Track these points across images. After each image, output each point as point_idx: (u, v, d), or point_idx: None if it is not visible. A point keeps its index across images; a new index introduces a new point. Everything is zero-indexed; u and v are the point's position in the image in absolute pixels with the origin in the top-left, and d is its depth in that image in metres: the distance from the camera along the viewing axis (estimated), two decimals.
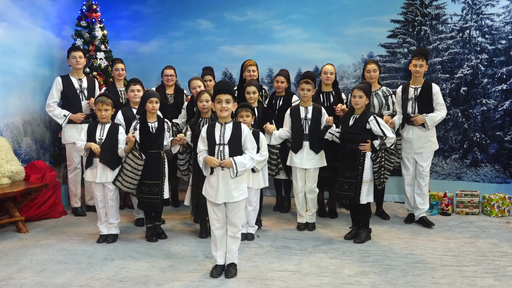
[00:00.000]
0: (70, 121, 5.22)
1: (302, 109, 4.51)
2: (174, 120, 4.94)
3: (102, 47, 5.97)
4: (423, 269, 3.57)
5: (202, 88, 4.83)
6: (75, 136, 5.20)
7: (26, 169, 5.06)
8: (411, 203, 4.91)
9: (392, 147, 4.23)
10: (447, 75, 5.94)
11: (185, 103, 5.09)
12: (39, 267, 3.64)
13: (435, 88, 4.70)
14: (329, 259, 3.80)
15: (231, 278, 3.39)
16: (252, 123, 4.30)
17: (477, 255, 3.87)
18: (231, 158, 3.31)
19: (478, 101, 5.87)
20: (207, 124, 3.49)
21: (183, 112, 5.03)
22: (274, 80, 5.08)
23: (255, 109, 4.56)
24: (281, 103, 5.03)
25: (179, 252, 4.00)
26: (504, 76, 5.78)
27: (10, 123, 5.28)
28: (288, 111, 4.60)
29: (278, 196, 5.56)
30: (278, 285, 3.29)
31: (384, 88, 4.95)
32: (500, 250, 4.01)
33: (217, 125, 3.39)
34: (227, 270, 3.45)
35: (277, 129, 4.60)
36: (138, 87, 4.58)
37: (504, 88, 5.79)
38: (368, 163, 4.14)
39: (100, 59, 5.90)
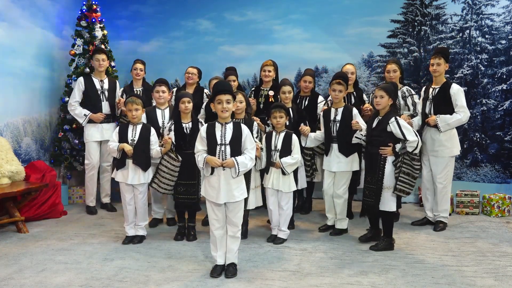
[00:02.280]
0: (90, 121, 5.28)
1: (332, 110, 4.34)
2: None
3: (102, 47, 5.96)
4: (423, 269, 3.57)
5: None
6: (95, 135, 5.30)
7: (26, 169, 5.06)
8: (426, 208, 4.79)
9: (416, 151, 3.91)
10: (447, 75, 5.93)
11: (204, 103, 5.02)
12: (39, 267, 3.64)
13: (454, 88, 4.46)
14: (329, 259, 3.80)
15: (231, 278, 3.39)
16: (287, 123, 4.24)
17: (477, 255, 3.86)
18: (233, 158, 3.32)
19: (478, 101, 5.87)
20: (206, 124, 3.49)
21: (202, 111, 4.95)
22: (301, 80, 4.92)
23: (290, 109, 4.44)
24: (306, 103, 4.89)
25: (179, 252, 4.00)
26: (504, 76, 5.78)
27: (10, 123, 5.29)
28: (322, 112, 4.50)
29: (300, 197, 5.47)
30: (278, 285, 3.29)
31: (404, 88, 4.81)
32: (500, 250, 4.01)
33: (217, 125, 3.39)
34: (227, 270, 3.45)
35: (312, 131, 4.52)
36: (163, 88, 4.57)
37: (504, 88, 5.79)
38: (389, 168, 3.92)
39: None
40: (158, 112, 4.58)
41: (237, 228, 3.45)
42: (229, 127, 3.38)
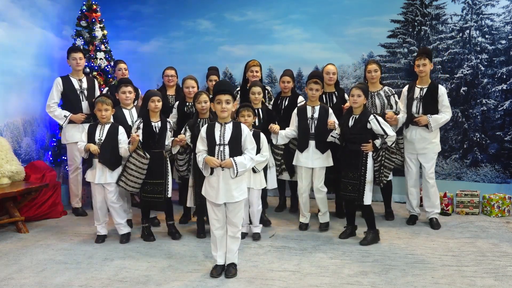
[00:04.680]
0: (71, 121, 5.23)
1: (309, 108, 4.49)
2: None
3: (102, 47, 5.97)
4: (423, 269, 3.57)
5: (196, 89, 4.82)
6: (76, 136, 5.22)
7: (26, 169, 5.06)
8: (413, 205, 4.86)
9: (393, 145, 4.18)
10: (447, 75, 5.94)
11: (176, 102, 5.00)
12: (39, 267, 3.64)
13: (441, 89, 4.63)
14: (329, 259, 3.80)
15: (231, 278, 3.39)
16: (256, 123, 4.27)
17: (477, 255, 3.87)
18: (231, 158, 3.31)
19: (478, 101, 5.87)
20: (206, 124, 3.49)
21: (174, 111, 4.94)
22: (280, 80, 5.04)
23: (259, 110, 4.58)
24: (286, 103, 4.99)
25: (179, 252, 4.00)
26: (504, 76, 5.78)
27: (10, 123, 5.29)
28: (296, 110, 4.59)
29: (281, 197, 5.56)
30: (278, 285, 3.29)
31: (386, 88, 4.90)
32: (500, 250, 4.01)
33: (217, 125, 3.39)
34: (227, 270, 3.45)
35: (282, 129, 4.56)
36: (129, 88, 4.57)
37: (504, 88, 5.78)
38: (370, 163, 4.12)
39: (100, 59, 5.90)
40: (126, 112, 4.57)
41: (237, 229, 3.44)
42: (229, 127, 3.38)
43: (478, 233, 4.51)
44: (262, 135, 4.23)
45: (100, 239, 4.30)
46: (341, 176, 4.26)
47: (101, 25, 6.03)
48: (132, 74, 5.63)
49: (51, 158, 5.86)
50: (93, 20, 5.90)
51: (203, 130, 3.43)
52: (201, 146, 3.42)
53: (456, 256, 3.86)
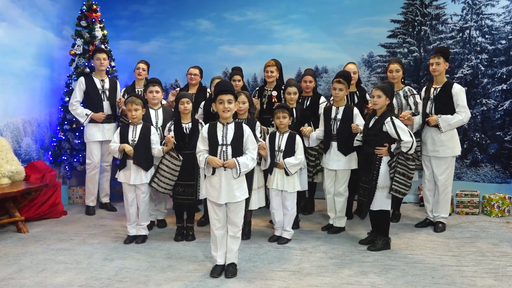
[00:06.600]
0: (92, 120, 5.28)
1: (333, 109, 4.39)
2: None
3: (102, 47, 5.96)
4: (423, 269, 3.57)
5: None
6: (97, 135, 5.31)
7: (26, 169, 5.06)
8: (427, 209, 4.74)
9: (411, 152, 3.87)
10: (447, 75, 5.92)
11: (203, 102, 4.98)
12: (39, 267, 3.64)
13: (456, 88, 4.41)
14: (329, 259, 3.80)
15: (231, 278, 3.39)
16: (290, 124, 4.24)
17: (477, 255, 3.86)
18: (234, 158, 3.31)
19: (478, 101, 5.87)
20: (208, 124, 3.48)
21: (200, 111, 4.91)
22: (302, 80, 4.90)
23: (293, 109, 4.48)
24: (308, 103, 4.86)
25: (179, 252, 4.00)
26: (504, 76, 5.78)
27: (10, 123, 5.30)
28: (322, 110, 4.52)
29: (303, 198, 5.39)
30: (278, 285, 3.29)
31: (406, 88, 4.79)
32: (500, 250, 4.01)
33: (219, 125, 3.39)
34: (227, 270, 3.45)
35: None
36: (157, 88, 4.54)
37: (504, 88, 5.79)
38: (384, 168, 3.90)
39: None
40: (152, 112, 4.55)
41: (237, 228, 3.45)
42: (231, 127, 3.38)
43: (478, 233, 4.51)
44: (298, 138, 4.17)
45: (129, 239, 4.27)
46: (358, 179, 4.15)
47: (101, 25, 6.02)
48: (131, 74, 5.62)
49: (51, 158, 5.86)
50: (93, 20, 5.90)
51: (205, 130, 3.43)
52: (202, 145, 3.42)
53: (456, 256, 3.86)
